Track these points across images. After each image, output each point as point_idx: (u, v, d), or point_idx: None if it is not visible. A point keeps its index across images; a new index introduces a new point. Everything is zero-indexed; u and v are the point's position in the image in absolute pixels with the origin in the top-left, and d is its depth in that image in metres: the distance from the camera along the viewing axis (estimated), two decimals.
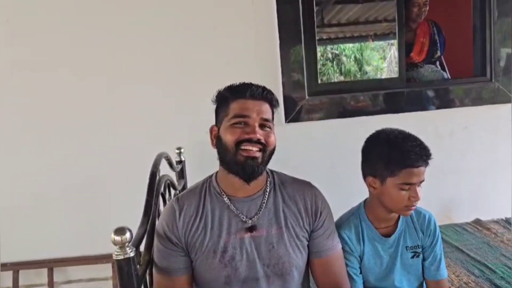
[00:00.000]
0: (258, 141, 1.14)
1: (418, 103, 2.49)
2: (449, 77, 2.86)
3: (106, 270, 2.43)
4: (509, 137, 2.49)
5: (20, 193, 2.35)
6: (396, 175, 1.25)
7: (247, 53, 2.35)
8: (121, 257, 1.01)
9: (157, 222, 1.29)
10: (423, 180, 1.26)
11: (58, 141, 2.32)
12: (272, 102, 1.22)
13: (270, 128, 1.19)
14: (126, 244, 1.01)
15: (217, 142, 1.21)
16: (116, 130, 2.34)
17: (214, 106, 1.27)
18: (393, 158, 1.25)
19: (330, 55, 8.30)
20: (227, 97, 1.20)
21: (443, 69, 2.89)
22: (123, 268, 1.02)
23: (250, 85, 1.20)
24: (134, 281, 1.04)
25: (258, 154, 1.15)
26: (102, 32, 2.26)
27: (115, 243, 1.01)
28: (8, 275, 2.38)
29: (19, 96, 2.28)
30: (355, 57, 8.41)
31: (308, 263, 1.28)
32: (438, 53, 2.84)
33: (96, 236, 2.36)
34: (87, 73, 2.28)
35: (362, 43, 7.66)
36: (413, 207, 1.28)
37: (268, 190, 1.25)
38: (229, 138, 1.15)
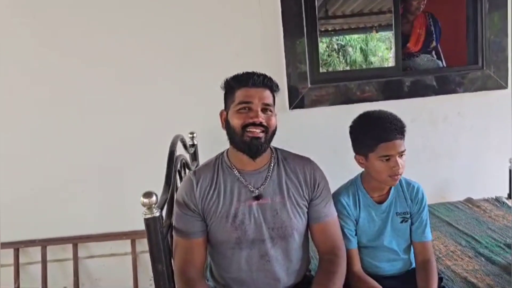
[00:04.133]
0: (260, 124, 1.33)
1: (413, 91, 2.64)
2: (445, 65, 3.01)
3: (126, 246, 2.64)
4: (500, 122, 2.66)
5: (47, 177, 2.56)
6: (374, 150, 1.43)
7: (254, 46, 2.53)
8: (149, 216, 1.22)
9: (176, 193, 1.49)
10: (402, 151, 1.42)
11: (81, 127, 2.52)
12: (272, 88, 1.40)
13: (271, 111, 1.37)
14: (153, 205, 1.22)
15: (226, 124, 1.40)
16: (133, 116, 2.53)
17: (222, 97, 1.46)
18: (369, 136, 1.44)
19: (336, 46, 8.43)
20: (233, 85, 1.39)
21: (439, 58, 3.04)
22: (150, 226, 1.23)
23: (252, 74, 1.37)
24: (159, 237, 1.25)
25: (261, 135, 1.34)
26: (123, 25, 2.46)
27: (143, 204, 1.22)
28: (37, 250, 2.61)
29: (48, 85, 2.48)
30: (360, 47, 8.53)
31: (308, 228, 1.47)
32: (434, 43, 2.99)
33: (116, 214, 2.62)
34: (110, 64, 2.48)
35: (367, 34, 7.77)
36: (396, 176, 1.43)
37: (272, 164, 1.44)
38: (236, 122, 1.34)
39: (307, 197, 1.44)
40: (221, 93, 1.46)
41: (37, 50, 2.45)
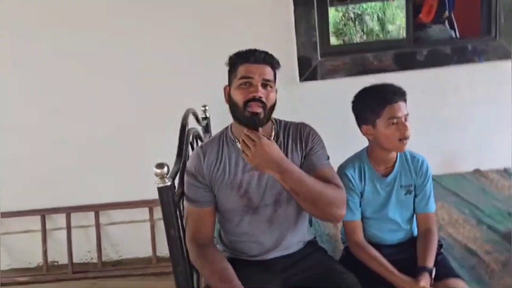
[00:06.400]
0: (259, 100, 1.39)
1: (427, 62, 2.65)
2: (458, 36, 2.98)
3: (144, 213, 2.80)
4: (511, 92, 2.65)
5: (69, 149, 2.71)
6: (381, 115, 1.47)
7: (264, 15, 2.56)
8: (162, 185, 1.31)
9: (186, 166, 1.58)
10: (407, 114, 1.48)
11: (101, 99, 2.65)
12: (273, 64, 1.45)
13: (271, 87, 1.43)
14: (165, 175, 1.31)
15: (229, 99, 1.47)
16: (149, 88, 2.63)
17: None
18: (374, 102, 1.49)
19: (352, 15, 8.25)
20: (235, 61, 1.45)
21: (452, 28, 3.00)
22: (163, 194, 1.33)
23: (254, 51, 1.43)
24: (171, 204, 1.35)
25: (260, 110, 1.39)
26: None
27: (156, 174, 1.31)
28: (62, 217, 2.79)
29: (63, 61, 2.60)
30: (377, 16, 8.32)
31: None
32: (447, 14, 2.95)
33: (134, 184, 2.74)
34: (123, 38, 2.58)
35: (385, 2, 7.57)
36: (406, 140, 1.48)
37: (273, 135, 1.51)
38: (238, 98, 1.41)
39: (301, 153, 1.49)
40: None
41: (58, 24, 2.56)
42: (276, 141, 1.50)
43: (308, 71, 2.62)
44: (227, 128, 1.56)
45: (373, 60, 2.64)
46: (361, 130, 1.59)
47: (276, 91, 1.46)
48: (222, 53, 2.48)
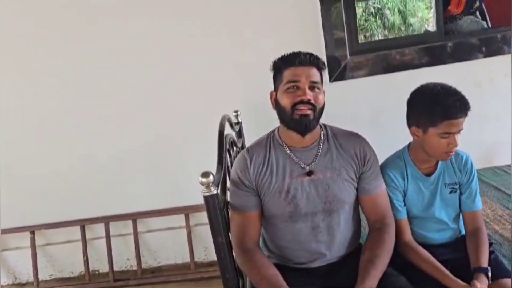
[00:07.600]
0: (308, 102, 1.38)
1: (457, 55, 2.59)
2: (490, 26, 2.90)
3: (180, 220, 2.82)
4: None
5: (103, 159, 2.76)
6: (437, 126, 1.40)
7: (290, 17, 2.55)
8: (208, 194, 1.32)
9: (228, 171, 1.59)
10: (462, 129, 1.42)
11: (132, 108, 2.67)
12: (319, 66, 1.44)
13: (319, 89, 1.42)
14: (211, 184, 1.32)
15: (276, 105, 1.46)
16: (180, 97, 2.65)
17: (263, 73, 1.52)
18: (435, 111, 1.40)
19: (372, 10, 8.16)
20: (280, 66, 1.44)
21: (484, 19, 2.91)
22: (209, 203, 1.33)
23: (299, 53, 1.42)
24: (217, 212, 1.35)
25: (310, 112, 1.39)
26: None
27: (202, 183, 1.31)
28: (101, 227, 2.83)
29: (95, 71, 2.63)
30: (398, 9, 8.21)
31: (358, 199, 1.52)
32: (477, 3, 2.87)
33: (170, 192, 2.78)
34: (160, 49, 2.60)
35: None
36: (451, 153, 1.45)
37: (322, 141, 1.49)
38: (285, 101, 1.40)
39: (357, 171, 1.48)
40: (261, 69, 1.51)
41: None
42: (323, 148, 1.49)
43: (337, 71, 2.60)
44: (273, 131, 1.55)
45: (402, 52, 2.60)
46: (409, 128, 1.54)
47: (324, 92, 1.45)
48: (250, 57, 2.48)
